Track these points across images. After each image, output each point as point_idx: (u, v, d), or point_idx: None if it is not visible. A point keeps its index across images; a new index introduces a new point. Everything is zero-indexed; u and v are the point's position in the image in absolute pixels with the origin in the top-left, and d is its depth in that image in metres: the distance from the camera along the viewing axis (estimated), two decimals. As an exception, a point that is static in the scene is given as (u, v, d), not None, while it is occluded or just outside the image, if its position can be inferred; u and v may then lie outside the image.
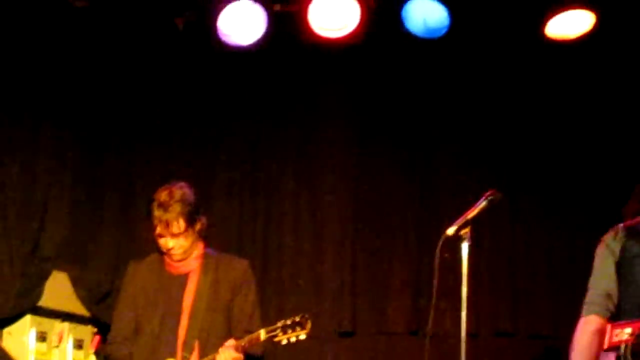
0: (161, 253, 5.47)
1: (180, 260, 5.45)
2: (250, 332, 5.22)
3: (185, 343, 5.32)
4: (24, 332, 6.68)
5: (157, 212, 5.34)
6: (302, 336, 5.07)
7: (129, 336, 5.49)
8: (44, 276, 6.84)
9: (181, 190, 5.40)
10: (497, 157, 7.38)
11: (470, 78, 7.39)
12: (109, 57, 7.18)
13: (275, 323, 5.13)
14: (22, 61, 6.78)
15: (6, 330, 6.67)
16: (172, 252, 5.40)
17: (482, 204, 4.73)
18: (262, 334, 5.12)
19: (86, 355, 6.99)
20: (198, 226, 5.42)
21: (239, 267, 5.54)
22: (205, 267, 5.47)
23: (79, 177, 7.11)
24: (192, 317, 5.36)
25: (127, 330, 5.49)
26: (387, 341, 7.37)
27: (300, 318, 5.07)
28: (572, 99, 7.32)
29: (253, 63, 7.25)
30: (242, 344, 5.17)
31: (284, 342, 5.09)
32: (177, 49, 7.24)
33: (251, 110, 7.50)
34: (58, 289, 6.94)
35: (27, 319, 6.69)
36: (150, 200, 5.40)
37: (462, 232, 4.62)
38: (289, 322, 5.09)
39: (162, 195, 5.36)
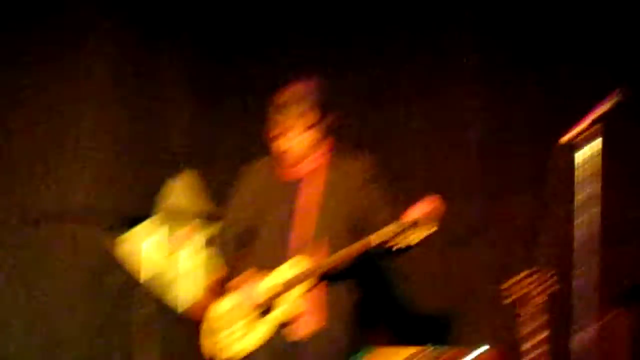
0: (276, 156, 5.40)
1: (294, 164, 5.36)
2: (386, 223, 5.01)
3: (301, 245, 5.25)
4: (153, 232, 6.81)
5: (273, 114, 5.28)
6: (425, 234, 4.90)
7: (240, 233, 5.49)
8: (170, 177, 6.95)
9: (301, 88, 5.26)
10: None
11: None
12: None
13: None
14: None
15: (134, 230, 6.82)
16: (287, 155, 5.32)
17: (607, 105, 4.43)
18: (373, 239, 4.99)
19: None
20: (317, 126, 5.27)
21: (360, 163, 5.37)
22: (325, 169, 5.35)
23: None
24: (306, 220, 5.27)
25: (238, 227, 5.50)
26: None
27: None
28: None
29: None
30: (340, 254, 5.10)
31: (403, 246, 4.92)
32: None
33: None
34: (184, 190, 7.05)
35: (156, 217, 6.79)
36: (271, 103, 5.32)
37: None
38: (406, 226, 4.92)
39: (280, 97, 5.28)
